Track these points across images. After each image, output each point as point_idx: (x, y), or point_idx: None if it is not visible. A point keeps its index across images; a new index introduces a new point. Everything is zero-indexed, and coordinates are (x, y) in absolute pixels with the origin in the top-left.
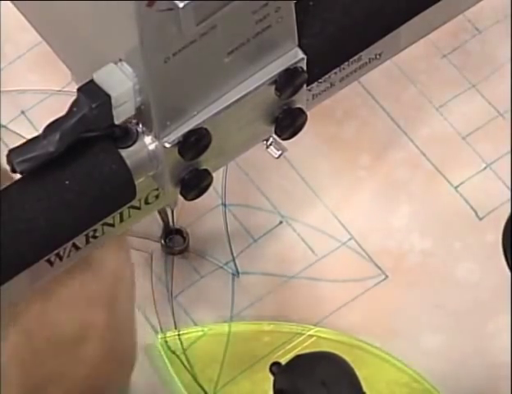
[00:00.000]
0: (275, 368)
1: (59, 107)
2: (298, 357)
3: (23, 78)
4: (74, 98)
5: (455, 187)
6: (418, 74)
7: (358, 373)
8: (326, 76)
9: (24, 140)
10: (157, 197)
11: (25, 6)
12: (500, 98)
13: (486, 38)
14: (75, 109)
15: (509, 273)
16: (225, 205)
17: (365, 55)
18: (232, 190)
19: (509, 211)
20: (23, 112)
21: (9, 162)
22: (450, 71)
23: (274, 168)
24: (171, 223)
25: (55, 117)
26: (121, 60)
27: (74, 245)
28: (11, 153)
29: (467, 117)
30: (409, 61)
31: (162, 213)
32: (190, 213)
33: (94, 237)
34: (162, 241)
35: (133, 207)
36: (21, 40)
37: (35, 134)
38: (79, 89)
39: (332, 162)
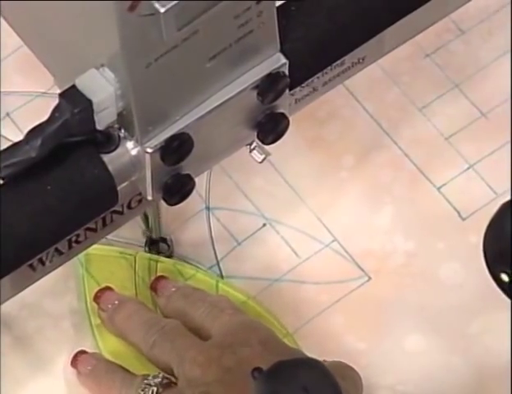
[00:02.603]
0: (256, 373)
1: (44, 109)
2: (279, 363)
3: (8, 80)
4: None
5: (438, 188)
6: (401, 75)
7: None
8: (309, 81)
9: (8, 144)
10: (139, 202)
11: (7, 12)
12: (483, 99)
13: (469, 39)
14: (56, 115)
15: None
16: (209, 209)
17: (348, 59)
18: (216, 194)
19: (492, 211)
20: (8, 114)
21: None
22: (433, 72)
23: (257, 171)
24: (155, 234)
25: (40, 120)
26: (102, 65)
27: (56, 249)
28: None
29: (450, 118)
30: (392, 62)
31: (147, 221)
32: (175, 217)
33: (77, 242)
34: (147, 248)
35: (116, 212)
36: (7, 42)
37: (20, 135)
38: (60, 95)
39: (315, 163)
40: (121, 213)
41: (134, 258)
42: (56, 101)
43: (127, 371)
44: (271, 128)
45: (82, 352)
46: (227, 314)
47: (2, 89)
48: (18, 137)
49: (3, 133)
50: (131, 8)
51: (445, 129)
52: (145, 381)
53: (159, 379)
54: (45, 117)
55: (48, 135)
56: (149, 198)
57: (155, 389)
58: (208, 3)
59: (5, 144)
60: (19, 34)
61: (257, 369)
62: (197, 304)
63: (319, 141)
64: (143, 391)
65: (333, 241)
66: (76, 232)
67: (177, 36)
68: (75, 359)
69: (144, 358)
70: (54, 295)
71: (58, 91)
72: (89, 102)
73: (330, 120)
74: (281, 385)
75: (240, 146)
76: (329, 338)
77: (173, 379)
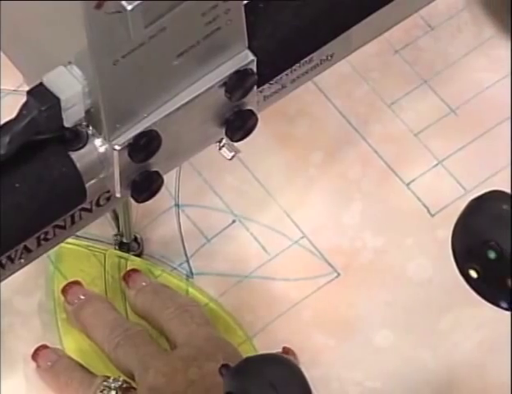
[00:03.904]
0: (224, 370)
1: (14, 107)
2: (246, 359)
3: None
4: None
5: (407, 184)
6: (370, 71)
7: None
8: (278, 78)
9: None
10: (108, 199)
11: None
12: (452, 95)
13: (438, 35)
14: (24, 112)
15: None
16: (178, 206)
17: (316, 56)
18: (185, 191)
19: (461, 207)
20: None
21: None
22: (402, 68)
23: (227, 168)
24: (126, 237)
25: (10, 117)
26: (70, 63)
27: (25, 247)
28: None
29: (419, 114)
30: (361, 59)
31: (117, 221)
32: (144, 215)
33: (46, 239)
34: (117, 247)
35: (84, 209)
36: None
37: None
38: (28, 92)
39: (285, 160)
40: (90, 210)
41: (104, 255)
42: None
43: (87, 370)
44: (239, 125)
45: (44, 346)
46: (195, 323)
47: None
48: None
49: None
50: (98, 6)
51: (414, 125)
52: (105, 383)
53: (119, 383)
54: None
55: (16, 133)
56: (118, 195)
57: (114, 392)
58: (175, 1)
59: None
60: None
61: (224, 366)
62: (166, 302)
63: (288, 138)
64: (101, 392)
65: (302, 238)
66: (45, 230)
67: (144, 33)
68: (36, 353)
69: (105, 358)
70: (24, 293)
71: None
72: (57, 99)
73: (299, 117)
74: (248, 381)
75: (209, 143)
76: (298, 334)
77: (133, 384)
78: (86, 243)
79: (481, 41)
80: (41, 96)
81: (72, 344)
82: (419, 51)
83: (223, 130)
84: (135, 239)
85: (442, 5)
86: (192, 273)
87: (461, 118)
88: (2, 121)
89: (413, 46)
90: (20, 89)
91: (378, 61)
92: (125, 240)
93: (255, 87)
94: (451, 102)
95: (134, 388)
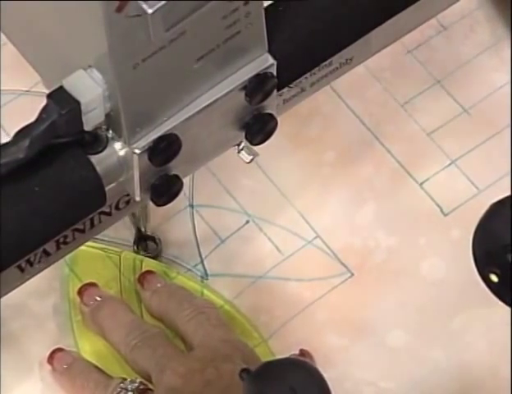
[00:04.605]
0: (244, 374)
1: (27, 108)
2: (268, 364)
3: None
4: (42, 98)
5: (420, 184)
6: (383, 71)
7: None
8: (297, 81)
9: None
10: (127, 203)
11: None
12: (464, 95)
13: (451, 35)
14: (44, 116)
15: (474, 268)
16: (192, 207)
17: (336, 60)
18: (199, 191)
19: (474, 207)
20: None
21: None
22: (414, 68)
23: (240, 168)
24: (143, 230)
25: (23, 118)
26: (90, 66)
27: (44, 250)
28: None
29: (432, 114)
30: (374, 59)
31: (135, 219)
32: (158, 216)
33: (65, 243)
34: (135, 247)
35: (103, 213)
36: None
37: (3, 134)
38: (48, 96)
39: (298, 160)
40: (109, 213)
41: (119, 257)
42: (39, 99)
43: (103, 372)
44: (259, 129)
45: (59, 349)
46: (212, 325)
47: None
48: (2, 135)
49: None
50: (119, 9)
51: (427, 125)
52: (121, 384)
53: (136, 384)
54: (28, 116)
55: (36, 136)
56: (137, 199)
57: None
58: (196, 4)
59: None
60: (6, 34)
61: (245, 370)
62: (183, 304)
63: (301, 138)
64: None
65: (316, 238)
66: (64, 233)
67: (165, 37)
68: (52, 357)
69: (121, 359)
70: (39, 295)
71: (42, 89)
72: (77, 103)
73: (312, 116)
74: (268, 386)
75: (228, 147)
76: (312, 335)
77: (150, 386)
78: (101, 245)
79: (494, 41)
80: (61, 99)
81: (87, 346)
82: (432, 51)
83: (243, 134)
84: (153, 239)
85: (455, 5)
86: (207, 275)
87: (474, 118)
88: (15, 121)
89: (426, 46)
90: (33, 90)
91: (391, 61)
92: (143, 231)
93: (275, 90)
94: (464, 102)
95: (152, 390)
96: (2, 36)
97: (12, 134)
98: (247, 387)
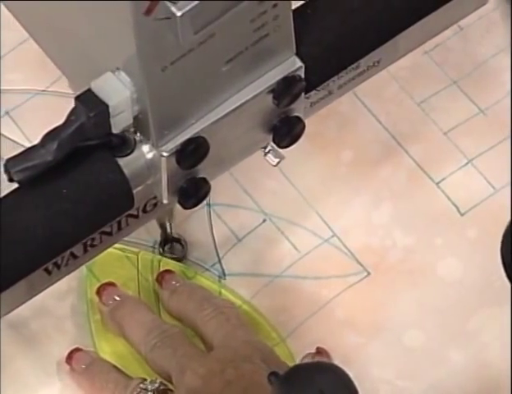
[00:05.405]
0: (273, 378)
1: (43, 107)
2: (296, 367)
3: (6, 78)
4: (58, 98)
5: (437, 183)
6: (400, 70)
7: None
8: (325, 84)
9: (7, 142)
10: (155, 205)
11: (22, 16)
12: (481, 95)
13: (467, 35)
14: (72, 118)
15: (491, 268)
16: (209, 205)
17: (363, 62)
18: (216, 190)
19: (491, 207)
20: (7, 113)
21: (6, 171)
22: (431, 68)
23: (257, 167)
24: (169, 231)
25: (39, 118)
26: (118, 69)
27: (71, 253)
28: (9, 163)
29: (448, 113)
30: None
31: (161, 222)
32: (176, 214)
33: (92, 246)
34: (160, 249)
35: (131, 215)
36: (6, 40)
37: (20, 134)
38: (76, 98)
39: (314, 159)
40: (137, 216)
41: (137, 257)
42: (55, 99)
43: (122, 372)
44: (286, 132)
45: (77, 349)
46: (232, 325)
47: (1, 87)
48: (17, 135)
49: (3, 131)
50: (148, 12)
51: (443, 124)
52: (141, 385)
53: (156, 385)
54: (44, 115)
55: (64, 139)
56: (165, 201)
57: None
58: (225, 7)
59: (4, 142)
60: (33, 37)
61: (273, 374)
62: (202, 304)
63: (318, 137)
64: None
65: (332, 236)
66: (91, 236)
67: (193, 39)
68: (70, 357)
69: (140, 359)
70: (57, 296)
71: (58, 89)
72: (105, 105)
73: (329, 115)
74: (297, 389)
75: (255, 149)
76: (329, 333)
77: (170, 386)
78: (119, 245)
79: (510, 42)
80: (89, 102)
81: (106, 346)
82: (448, 51)
83: (270, 137)
84: (180, 241)
85: None
86: (224, 274)
87: (490, 118)
88: (30, 121)
89: (443, 46)
90: (50, 89)
91: (408, 61)
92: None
93: (303, 93)
94: (480, 102)
95: (172, 390)
96: (18, 36)
97: (28, 133)
98: (276, 391)
